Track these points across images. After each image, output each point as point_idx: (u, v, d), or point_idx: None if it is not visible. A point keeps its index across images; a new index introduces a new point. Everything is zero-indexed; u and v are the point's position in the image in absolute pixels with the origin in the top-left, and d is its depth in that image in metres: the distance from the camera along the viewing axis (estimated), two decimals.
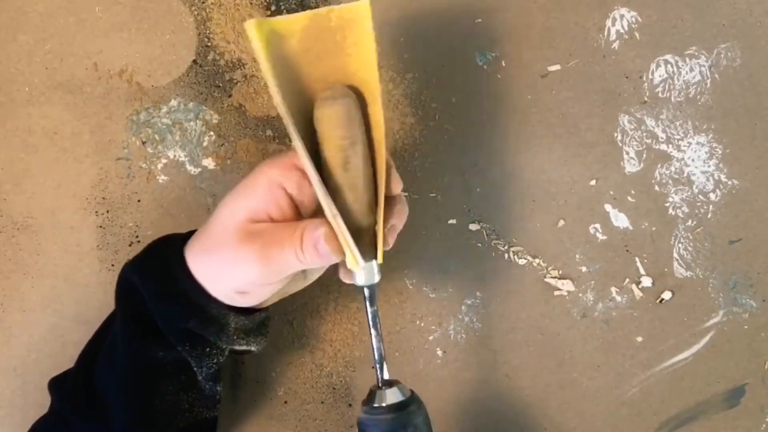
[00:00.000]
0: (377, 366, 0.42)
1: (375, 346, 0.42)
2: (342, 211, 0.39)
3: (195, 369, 0.44)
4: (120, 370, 0.43)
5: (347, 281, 0.43)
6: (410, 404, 0.41)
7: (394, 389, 0.41)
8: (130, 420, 0.43)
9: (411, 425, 0.40)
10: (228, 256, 0.40)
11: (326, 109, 0.39)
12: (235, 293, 0.41)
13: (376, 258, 0.41)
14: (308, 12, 0.39)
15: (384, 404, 0.40)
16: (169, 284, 0.42)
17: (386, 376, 0.42)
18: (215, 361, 0.44)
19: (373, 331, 0.42)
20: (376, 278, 0.41)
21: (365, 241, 0.40)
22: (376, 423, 0.40)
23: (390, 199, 0.42)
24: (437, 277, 0.55)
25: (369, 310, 0.42)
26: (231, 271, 0.40)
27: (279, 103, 0.37)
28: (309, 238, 0.39)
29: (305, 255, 0.39)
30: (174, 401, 0.44)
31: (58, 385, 0.47)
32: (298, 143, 0.37)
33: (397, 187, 0.42)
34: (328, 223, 0.39)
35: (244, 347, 0.45)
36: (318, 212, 0.41)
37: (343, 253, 0.39)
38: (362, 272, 0.41)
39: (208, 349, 0.43)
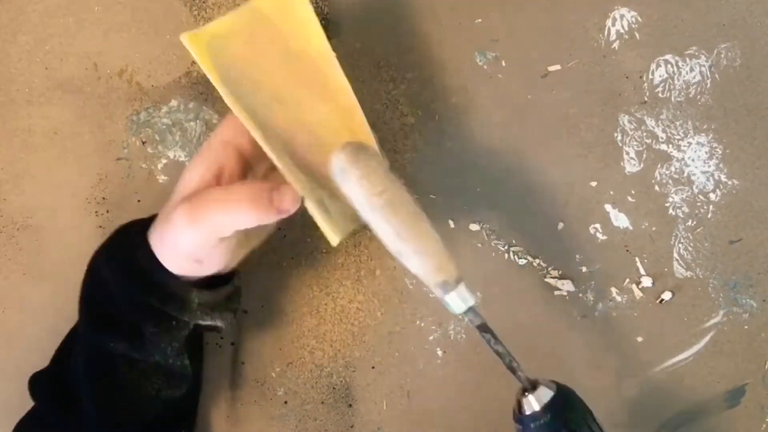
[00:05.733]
0: (513, 373, 0.41)
1: (504, 360, 0.41)
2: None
3: (162, 345, 0.43)
4: (81, 362, 0.44)
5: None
6: (562, 395, 0.40)
7: (541, 388, 0.40)
8: (99, 411, 0.43)
9: (570, 415, 0.40)
10: (168, 222, 0.40)
11: (357, 181, 0.37)
12: (191, 262, 0.41)
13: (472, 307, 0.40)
14: (239, 9, 0.40)
15: (539, 407, 0.39)
16: (129, 263, 0.42)
17: (524, 379, 0.41)
18: (182, 333, 0.44)
19: (495, 349, 0.41)
20: (471, 301, 0.40)
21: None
22: (537, 428, 0.39)
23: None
24: None
25: (480, 332, 0.41)
26: (171, 238, 0.40)
27: (245, 119, 0.38)
28: (240, 193, 0.38)
29: (240, 209, 0.38)
30: (136, 389, 0.44)
31: (36, 381, 0.47)
32: (275, 157, 0.38)
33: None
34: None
35: (209, 322, 0.45)
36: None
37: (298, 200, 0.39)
38: (456, 300, 0.40)
39: (174, 323, 0.43)
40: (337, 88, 0.41)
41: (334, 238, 0.40)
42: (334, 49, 0.55)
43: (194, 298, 0.43)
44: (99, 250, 0.45)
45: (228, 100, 0.38)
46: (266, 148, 0.38)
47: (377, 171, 0.38)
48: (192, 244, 0.40)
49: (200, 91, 0.55)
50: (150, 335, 0.43)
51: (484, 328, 0.41)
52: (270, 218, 0.38)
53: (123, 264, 0.42)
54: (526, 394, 0.40)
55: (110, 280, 0.43)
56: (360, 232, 0.41)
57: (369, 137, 0.41)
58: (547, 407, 0.39)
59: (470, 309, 0.41)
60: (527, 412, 0.40)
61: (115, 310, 0.43)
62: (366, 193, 0.37)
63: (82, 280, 0.45)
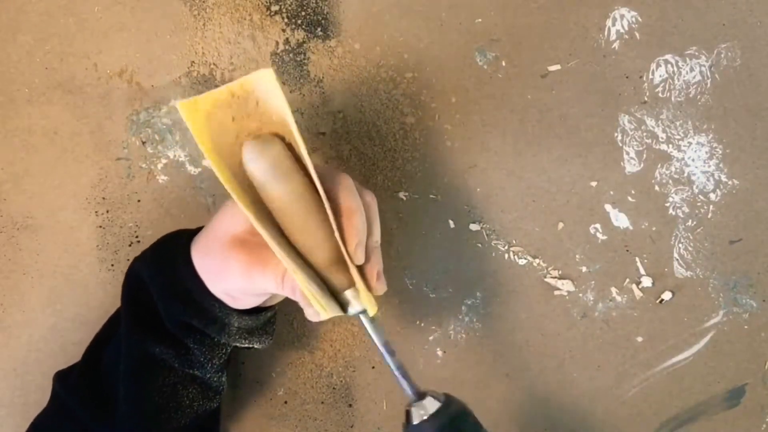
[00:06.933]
0: (402, 384, 0.40)
1: (392, 367, 0.40)
2: (309, 257, 0.39)
3: (202, 360, 0.44)
4: (123, 363, 0.44)
5: (314, 320, 0.42)
6: (450, 405, 0.40)
7: (428, 399, 0.40)
8: (131, 413, 0.44)
9: (459, 424, 0.39)
10: (219, 259, 0.41)
11: (252, 162, 0.38)
12: (226, 296, 0.42)
13: (366, 311, 0.40)
14: (223, 87, 0.39)
15: (426, 417, 0.39)
16: (174, 281, 0.43)
17: (413, 391, 0.40)
18: (223, 351, 0.45)
19: (384, 353, 0.40)
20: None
21: (332, 276, 0.40)
22: None
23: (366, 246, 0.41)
24: (437, 277, 0.55)
25: (371, 335, 0.41)
26: (220, 275, 0.41)
27: (225, 181, 0.37)
28: (289, 283, 0.39)
29: (285, 290, 0.39)
30: (172, 396, 0.44)
31: (64, 378, 0.47)
32: (257, 225, 0.37)
33: (352, 241, 0.39)
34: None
35: (246, 345, 0.46)
36: None
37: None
38: (350, 300, 0.40)
39: (216, 340, 0.44)
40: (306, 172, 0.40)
41: (323, 313, 0.39)
42: (334, 52, 0.55)
43: (234, 323, 0.43)
44: (141, 257, 0.45)
45: (223, 178, 0.38)
46: (257, 226, 0.38)
47: (278, 166, 0.39)
48: (237, 288, 0.41)
49: (200, 91, 0.55)
50: (192, 349, 0.44)
51: (378, 332, 0.41)
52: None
53: (168, 281, 0.43)
54: (415, 404, 0.40)
55: (154, 292, 0.43)
56: None
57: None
58: (434, 417, 0.39)
59: (364, 310, 0.40)
60: (415, 422, 0.39)
61: (160, 320, 0.43)
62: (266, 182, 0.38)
63: (123, 282, 0.46)
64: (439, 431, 0.39)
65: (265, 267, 0.39)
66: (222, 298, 0.42)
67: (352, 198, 0.40)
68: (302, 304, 0.40)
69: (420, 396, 0.40)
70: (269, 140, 0.39)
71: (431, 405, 0.40)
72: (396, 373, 0.41)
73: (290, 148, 0.40)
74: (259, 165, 0.38)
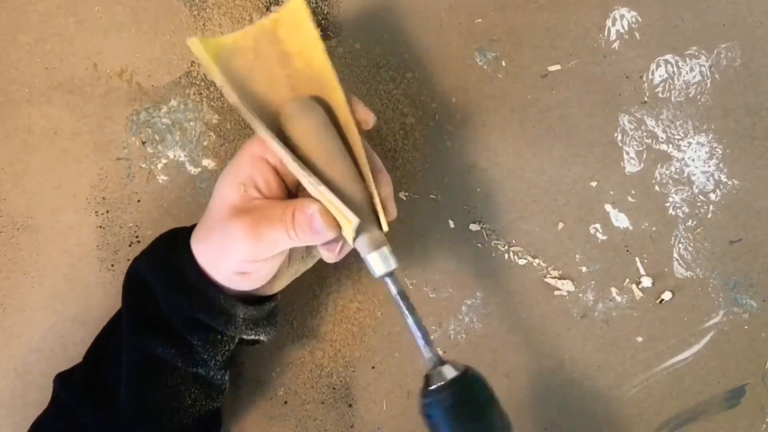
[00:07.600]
0: (424, 348, 0.41)
1: (415, 332, 0.41)
2: (326, 184, 0.39)
3: (206, 357, 0.44)
4: (125, 364, 0.44)
5: (332, 259, 0.43)
6: (468, 374, 0.40)
7: (448, 366, 0.40)
8: (134, 413, 0.44)
9: (476, 394, 0.40)
10: (221, 234, 0.40)
11: (296, 123, 0.40)
12: (236, 275, 0.41)
13: (380, 227, 0.40)
14: (251, 26, 0.41)
15: (443, 383, 0.39)
16: (177, 276, 0.42)
17: (435, 356, 0.41)
18: (227, 347, 0.45)
19: (409, 318, 0.41)
20: (393, 264, 0.40)
21: (362, 216, 0.40)
22: (440, 401, 0.39)
23: (373, 172, 0.42)
24: (437, 277, 0.55)
25: (397, 298, 0.41)
26: (225, 249, 0.40)
27: (235, 103, 0.39)
28: (301, 216, 0.39)
29: (297, 233, 0.39)
30: (175, 396, 0.44)
31: (65, 379, 0.47)
32: (266, 135, 0.38)
33: (385, 187, 0.42)
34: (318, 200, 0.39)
35: (252, 337, 0.46)
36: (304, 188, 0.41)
37: (339, 227, 0.39)
38: (378, 261, 0.40)
39: (219, 336, 0.44)
40: (337, 105, 0.41)
41: (347, 227, 0.39)
42: (334, 52, 0.55)
43: (240, 314, 0.43)
44: (141, 256, 0.45)
45: (237, 105, 0.39)
46: (278, 152, 0.39)
47: (317, 124, 0.41)
48: (246, 257, 0.40)
49: (200, 91, 0.55)
50: (196, 347, 0.43)
51: (402, 296, 0.41)
52: (327, 238, 0.40)
53: (171, 277, 0.43)
54: (434, 370, 0.40)
55: (157, 291, 0.43)
56: None
57: (361, 150, 0.42)
58: (452, 384, 0.39)
59: (391, 273, 0.40)
60: (432, 387, 0.40)
61: (162, 319, 0.43)
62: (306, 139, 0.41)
63: (123, 283, 0.46)
64: (454, 397, 0.39)
65: (272, 220, 0.39)
66: (230, 280, 0.42)
67: (378, 160, 0.43)
68: (327, 237, 0.40)
69: (441, 362, 0.40)
70: (313, 103, 0.41)
71: (450, 372, 0.40)
72: (418, 335, 0.41)
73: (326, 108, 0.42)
74: (306, 123, 0.40)
